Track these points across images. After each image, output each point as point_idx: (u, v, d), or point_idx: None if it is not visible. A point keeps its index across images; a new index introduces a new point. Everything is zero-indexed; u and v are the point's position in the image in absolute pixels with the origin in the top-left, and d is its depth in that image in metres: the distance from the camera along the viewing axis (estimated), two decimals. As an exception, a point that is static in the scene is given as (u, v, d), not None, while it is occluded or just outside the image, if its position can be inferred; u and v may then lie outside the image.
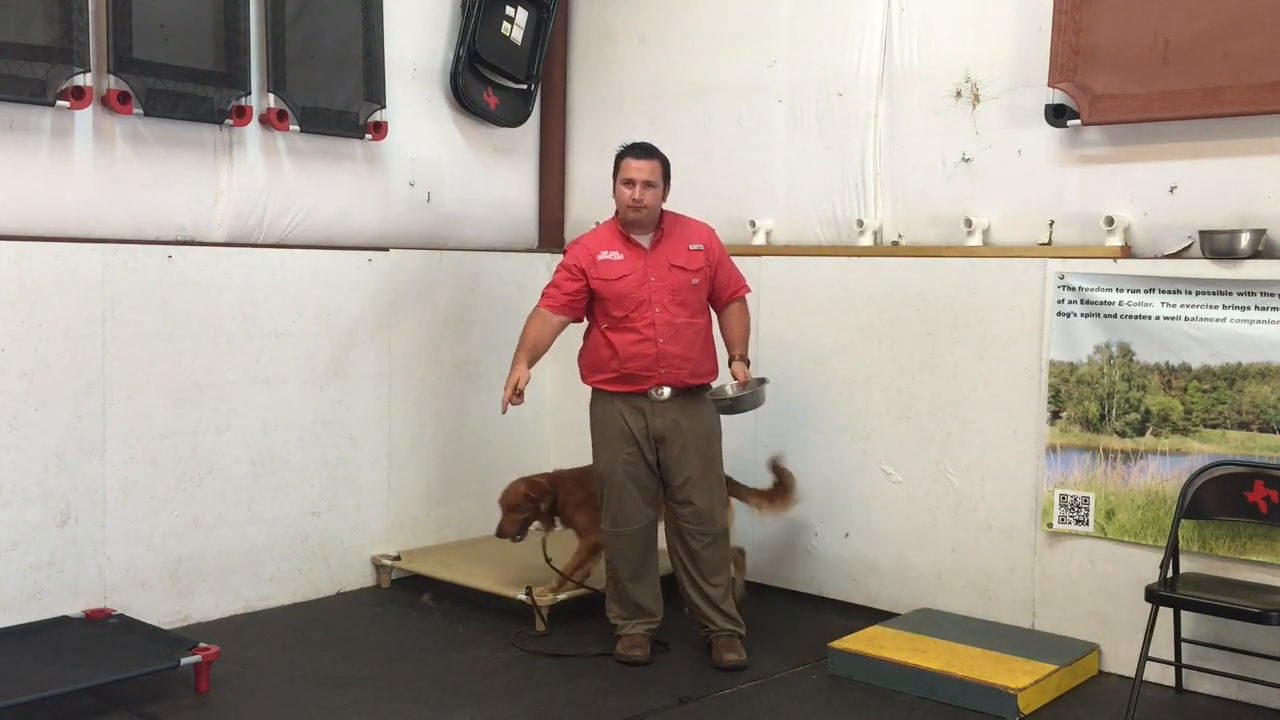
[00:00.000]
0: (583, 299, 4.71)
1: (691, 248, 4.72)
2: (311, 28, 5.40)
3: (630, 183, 4.63)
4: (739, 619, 4.79)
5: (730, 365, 4.78)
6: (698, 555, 4.73)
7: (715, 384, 4.76)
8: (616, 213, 4.76)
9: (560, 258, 4.92)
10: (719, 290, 4.79)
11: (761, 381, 4.69)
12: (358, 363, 5.61)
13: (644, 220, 4.68)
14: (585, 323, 4.83)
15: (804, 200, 5.62)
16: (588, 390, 5.13)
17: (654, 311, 4.62)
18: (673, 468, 4.69)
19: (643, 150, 4.71)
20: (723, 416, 4.79)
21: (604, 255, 4.68)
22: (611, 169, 4.75)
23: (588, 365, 4.78)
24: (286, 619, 5.20)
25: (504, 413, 4.68)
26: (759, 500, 5.23)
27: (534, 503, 5.22)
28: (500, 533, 5.26)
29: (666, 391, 4.62)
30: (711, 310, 4.82)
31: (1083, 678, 4.59)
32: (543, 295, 4.76)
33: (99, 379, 4.76)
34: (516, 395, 4.58)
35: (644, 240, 4.70)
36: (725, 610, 4.75)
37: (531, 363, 4.66)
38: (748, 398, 4.65)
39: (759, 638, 4.94)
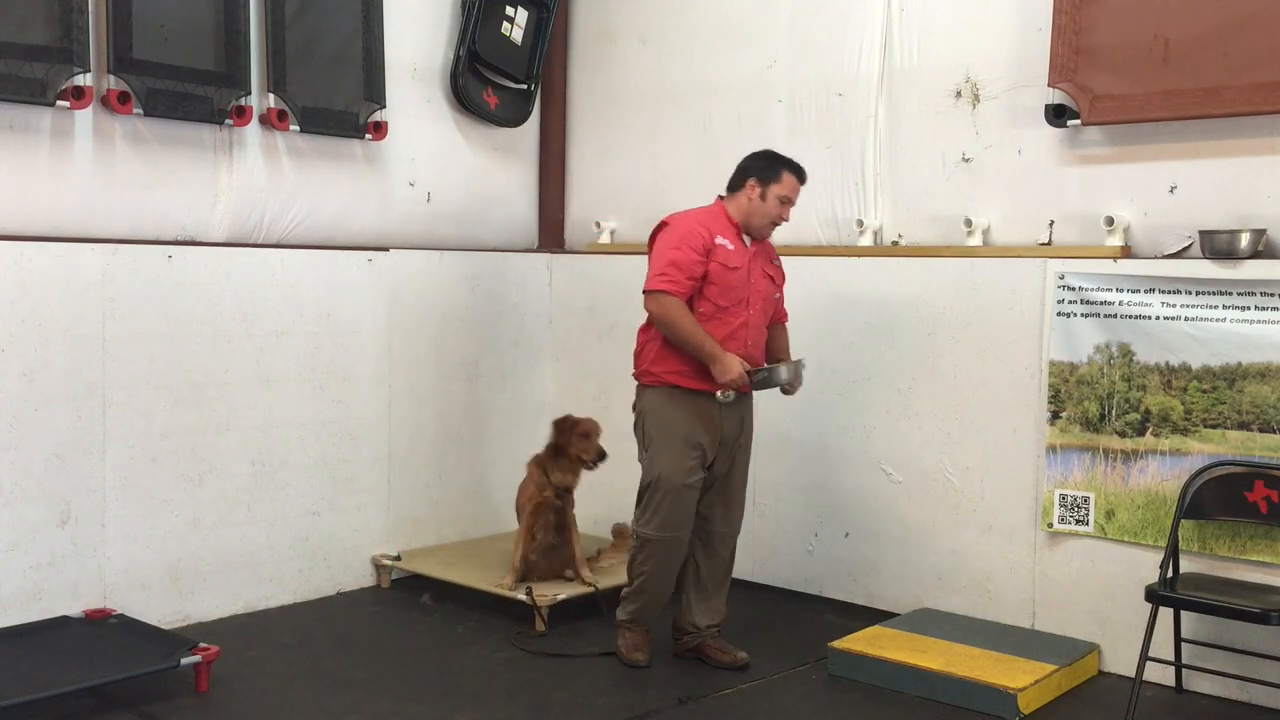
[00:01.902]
0: (699, 285, 4.46)
1: (774, 261, 4.72)
2: (311, 28, 5.40)
3: (788, 201, 4.57)
4: (722, 610, 4.81)
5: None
6: (720, 560, 4.71)
7: (729, 395, 4.52)
8: (735, 209, 4.59)
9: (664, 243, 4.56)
10: (777, 311, 4.79)
11: (798, 362, 4.60)
12: (358, 363, 5.61)
13: (769, 237, 4.68)
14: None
15: (804, 200, 5.56)
16: (589, 390, 5.14)
17: (749, 312, 4.52)
18: (722, 470, 4.61)
19: (804, 173, 4.64)
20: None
21: (721, 240, 4.49)
22: (758, 170, 4.58)
23: (659, 356, 4.52)
24: (286, 619, 5.20)
25: (742, 392, 4.49)
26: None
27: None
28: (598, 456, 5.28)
29: (732, 395, 4.44)
30: None
31: (1083, 678, 4.59)
32: (663, 278, 4.42)
33: (99, 379, 4.76)
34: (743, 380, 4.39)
35: (747, 241, 4.60)
36: (719, 609, 4.76)
37: None
38: (782, 369, 4.51)
39: (759, 638, 4.95)
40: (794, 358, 4.71)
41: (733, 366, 4.36)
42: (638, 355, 4.64)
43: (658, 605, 4.69)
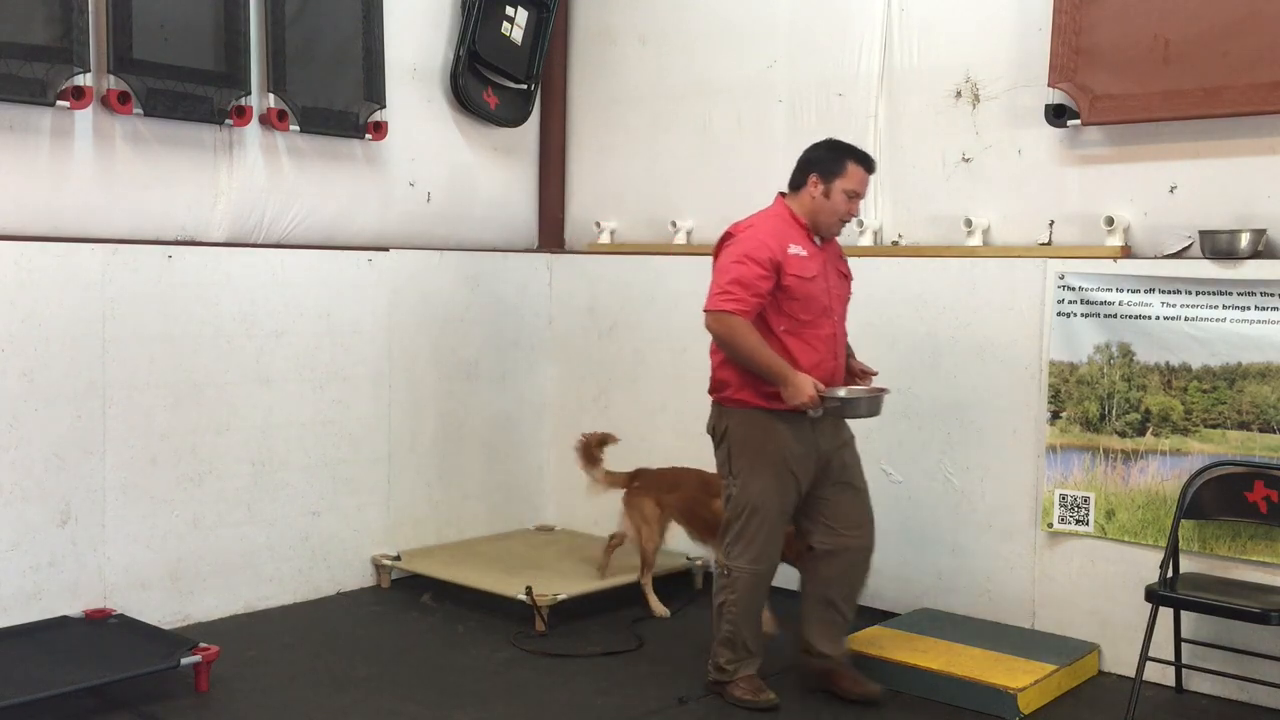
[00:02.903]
0: (768, 301, 4.10)
1: (843, 257, 4.41)
2: (311, 28, 5.40)
3: (855, 195, 4.19)
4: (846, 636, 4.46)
5: (847, 365, 4.37)
6: (856, 585, 4.36)
7: (818, 410, 4.13)
8: (797, 207, 4.25)
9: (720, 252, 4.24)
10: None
11: (882, 390, 4.23)
12: (358, 363, 5.61)
13: (838, 234, 4.32)
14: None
15: (804, 200, 5.62)
16: (589, 390, 5.14)
17: (833, 320, 4.21)
18: (844, 487, 4.30)
19: (871, 162, 4.26)
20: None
21: (794, 249, 4.12)
22: (821, 164, 4.22)
23: (743, 377, 4.15)
24: (286, 619, 5.20)
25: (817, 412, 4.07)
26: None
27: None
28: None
29: (820, 410, 4.08)
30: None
31: (1083, 678, 4.59)
32: (725, 297, 4.04)
33: (99, 379, 4.76)
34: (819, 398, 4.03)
35: (817, 241, 4.28)
36: (844, 630, 4.42)
37: None
38: (864, 402, 4.16)
39: (759, 638, 4.94)
40: (874, 385, 4.32)
41: (804, 388, 3.99)
42: (715, 375, 4.29)
43: (747, 640, 4.28)
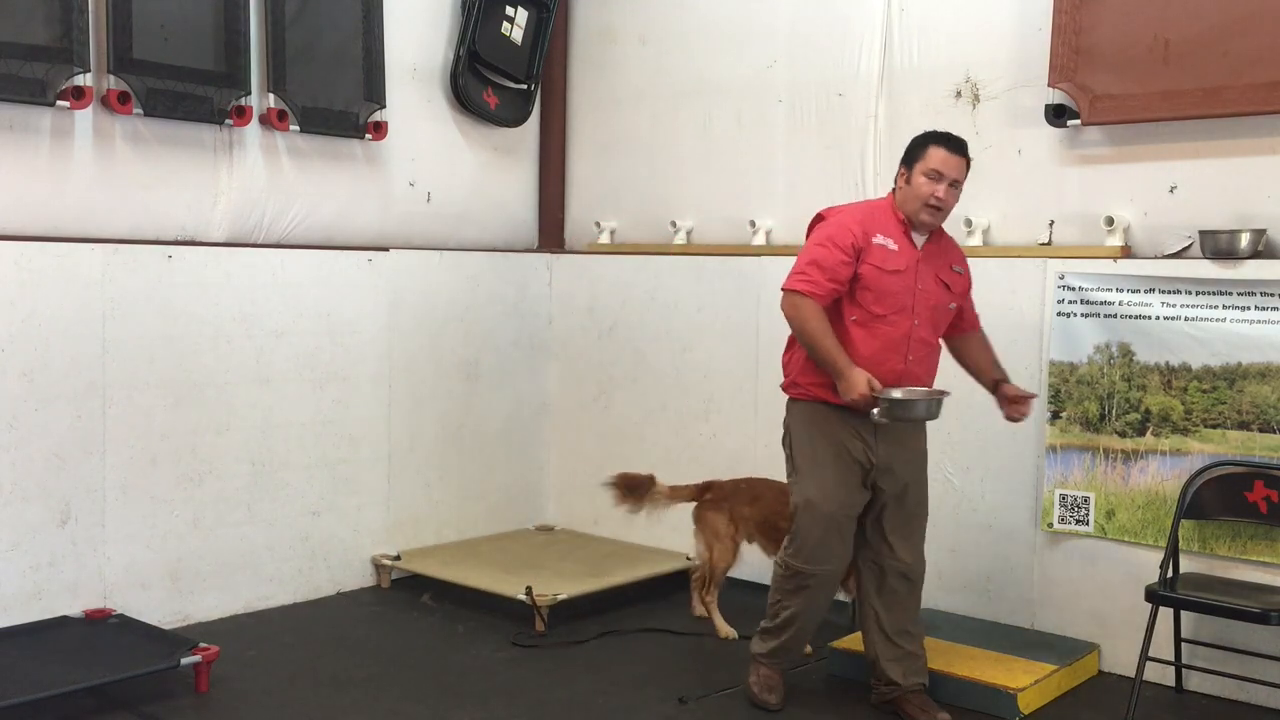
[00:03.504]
0: (847, 287, 3.98)
1: (955, 268, 4.18)
2: (311, 28, 5.40)
3: (937, 175, 3.96)
4: (925, 668, 4.26)
5: (999, 390, 4.22)
6: (898, 600, 4.19)
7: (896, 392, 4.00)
8: (895, 200, 4.11)
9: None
10: (960, 321, 4.27)
11: (941, 393, 4.08)
12: (358, 363, 5.61)
13: (935, 224, 4.08)
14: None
15: (804, 200, 5.60)
16: (589, 390, 5.14)
17: (912, 323, 4.02)
18: (891, 504, 4.13)
19: (956, 143, 4.03)
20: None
21: (880, 239, 3.99)
22: (907, 154, 4.09)
23: (805, 367, 4.09)
24: (286, 619, 5.20)
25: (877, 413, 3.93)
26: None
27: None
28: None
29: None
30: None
31: (1083, 678, 4.59)
32: (800, 278, 3.96)
33: (99, 379, 4.76)
34: (873, 393, 3.90)
35: (919, 240, 4.10)
36: (918, 658, 4.24)
37: None
38: (921, 404, 4.00)
39: (759, 638, 4.94)
40: (936, 386, 4.15)
41: (857, 384, 3.87)
42: (786, 365, 4.23)
43: (799, 645, 4.30)
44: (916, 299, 4.04)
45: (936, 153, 3.99)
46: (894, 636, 4.18)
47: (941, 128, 5.15)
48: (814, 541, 4.08)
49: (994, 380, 4.26)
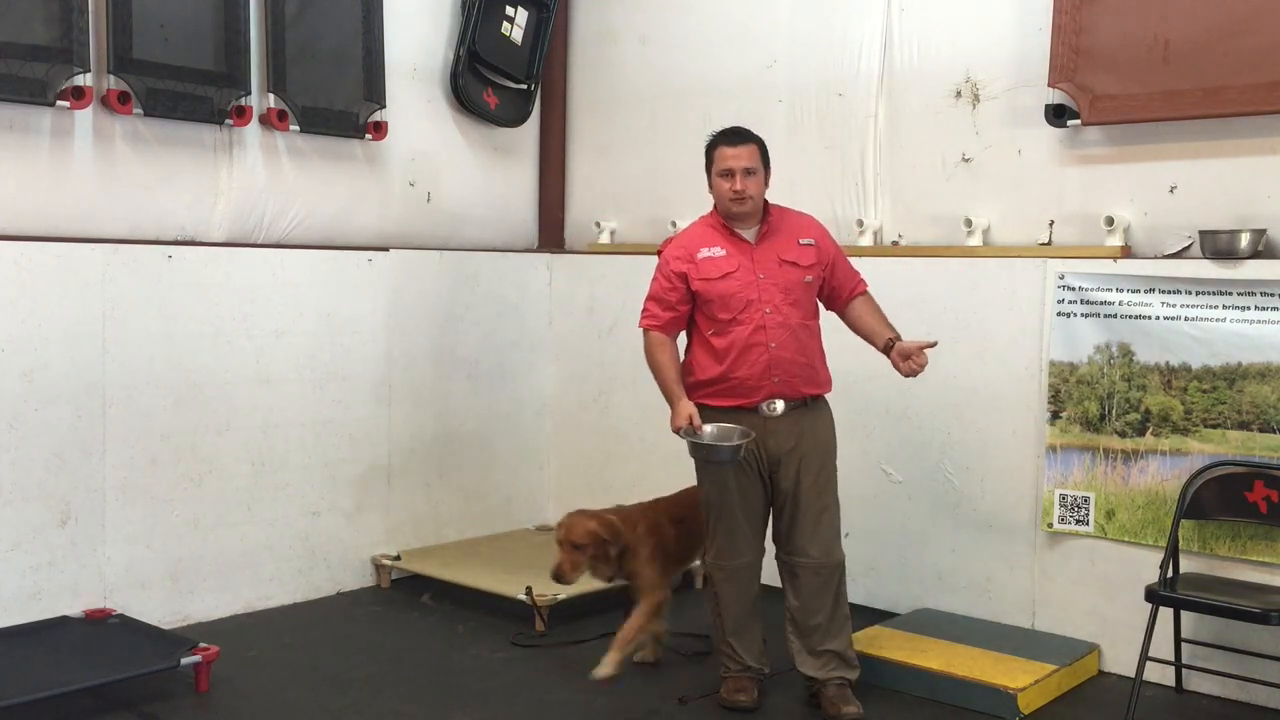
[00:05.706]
0: (687, 308, 4.21)
1: (802, 242, 4.24)
2: (311, 28, 5.40)
3: (728, 173, 4.13)
4: (853, 660, 4.29)
5: (894, 351, 4.17)
6: (808, 593, 4.20)
7: (774, 406, 4.14)
8: (715, 206, 4.27)
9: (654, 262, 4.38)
10: (838, 289, 4.32)
11: (745, 434, 4.08)
12: (358, 363, 5.61)
13: (749, 212, 4.18)
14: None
15: (804, 200, 5.56)
16: (589, 390, 5.14)
17: (764, 312, 4.11)
18: (792, 500, 4.20)
19: (735, 136, 4.20)
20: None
21: (705, 253, 4.18)
22: (705, 163, 4.25)
23: (689, 379, 4.24)
24: (286, 619, 5.20)
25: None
26: None
27: (603, 545, 4.48)
28: (558, 575, 4.48)
29: (780, 405, 4.11)
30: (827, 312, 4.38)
31: (1083, 678, 4.59)
32: (644, 313, 4.27)
33: (99, 379, 4.76)
34: (694, 427, 4.08)
35: (748, 234, 4.21)
36: (835, 654, 4.24)
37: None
38: (724, 448, 4.04)
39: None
40: (744, 431, 4.09)
41: (677, 417, 4.12)
42: None
43: (736, 653, 4.31)
44: (761, 289, 4.14)
45: (720, 152, 4.18)
46: (807, 633, 4.24)
47: (942, 128, 5.20)
48: (721, 536, 4.28)
49: (887, 340, 4.23)
